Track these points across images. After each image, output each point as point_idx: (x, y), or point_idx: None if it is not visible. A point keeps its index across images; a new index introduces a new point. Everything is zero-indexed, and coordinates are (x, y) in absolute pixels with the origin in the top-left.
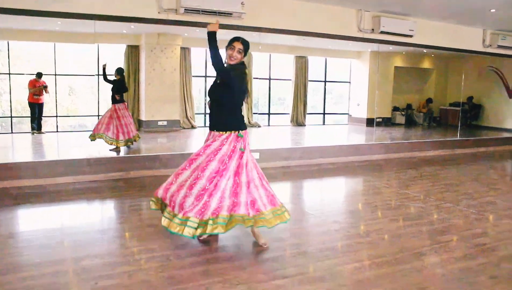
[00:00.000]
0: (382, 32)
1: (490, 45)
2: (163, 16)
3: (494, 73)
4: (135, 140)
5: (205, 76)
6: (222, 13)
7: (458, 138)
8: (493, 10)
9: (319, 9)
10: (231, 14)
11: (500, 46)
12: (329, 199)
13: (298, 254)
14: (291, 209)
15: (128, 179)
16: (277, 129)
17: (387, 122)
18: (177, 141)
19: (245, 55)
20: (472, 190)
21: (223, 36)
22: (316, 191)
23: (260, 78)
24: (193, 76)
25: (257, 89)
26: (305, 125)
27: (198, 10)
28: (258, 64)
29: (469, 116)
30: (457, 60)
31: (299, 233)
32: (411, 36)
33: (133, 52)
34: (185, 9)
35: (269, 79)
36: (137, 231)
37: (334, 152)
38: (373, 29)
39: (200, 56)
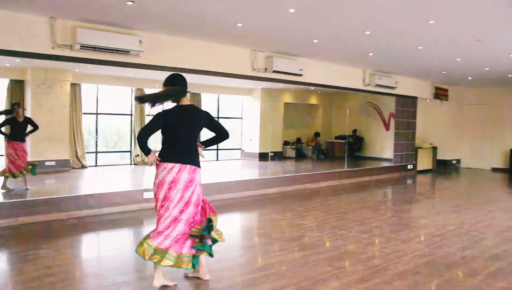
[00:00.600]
0: (274, 71)
1: (369, 84)
2: (57, 52)
3: (373, 108)
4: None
5: (96, 114)
6: (119, 50)
7: (345, 169)
8: (371, 54)
9: (216, 49)
10: (128, 52)
11: (377, 85)
12: (231, 234)
13: None
14: None
15: (16, 226)
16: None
17: (279, 156)
18: (67, 182)
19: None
20: (362, 217)
21: (120, 73)
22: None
23: (150, 115)
24: (83, 113)
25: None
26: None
27: (95, 47)
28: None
29: (353, 148)
30: (340, 96)
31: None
32: (300, 75)
33: (17, 87)
34: (81, 46)
35: None
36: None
37: (230, 188)
38: (266, 68)
39: (91, 92)
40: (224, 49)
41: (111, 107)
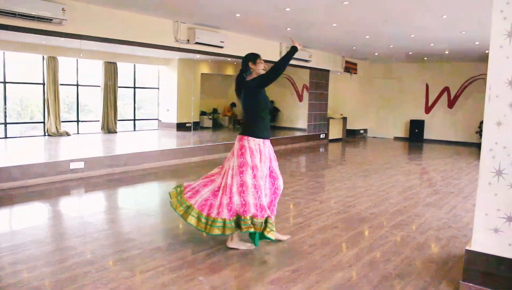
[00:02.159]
0: (197, 43)
1: None
2: None
3: (287, 80)
4: None
5: (4, 82)
6: (41, 18)
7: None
8: (288, 29)
9: (139, 19)
10: (51, 20)
11: (293, 58)
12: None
13: (155, 249)
14: (129, 212)
15: None
16: (88, 137)
17: (196, 126)
18: None
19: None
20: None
21: (41, 41)
22: (151, 194)
23: (68, 84)
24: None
25: (65, 96)
26: (116, 132)
27: (15, 13)
28: (66, 70)
29: (270, 118)
30: None
31: (148, 232)
32: (222, 47)
33: None
34: (0, 11)
35: (77, 85)
36: None
37: (155, 157)
38: (188, 40)
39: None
40: (147, 19)
41: (21, 75)
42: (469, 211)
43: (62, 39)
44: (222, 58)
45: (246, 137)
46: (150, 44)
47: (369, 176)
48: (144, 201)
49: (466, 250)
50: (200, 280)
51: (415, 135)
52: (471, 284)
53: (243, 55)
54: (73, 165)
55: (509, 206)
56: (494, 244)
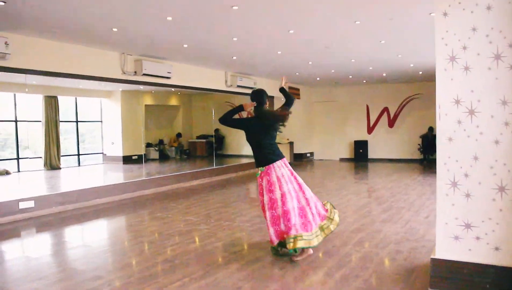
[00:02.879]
0: (144, 74)
1: (231, 85)
2: None
3: (231, 107)
4: None
5: None
6: None
7: (214, 167)
8: (234, 58)
9: (86, 52)
10: None
11: (238, 86)
12: (119, 236)
13: (127, 284)
14: (89, 249)
15: None
16: (31, 174)
17: (142, 159)
18: None
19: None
20: (239, 209)
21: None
22: (107, 229)
23: (5, 121)
24: None
25: (3, 131)
26: (60, 168)
27: None
28: (2, 105)
29: (215, 147)
30: (199, 97)
31: (115, 268)
32: (169, 77)
33: None
34: None
35: (15, 121)
36: None
37: (108, 192)
38: (135, 72)
39: None
40: (94, 52)
41: None
42: (422, 224)
43: (11, 74)
44: (166, 88)
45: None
46: (98, 77)
47: (321, 197)
48: (101, 237)
49: (431, 258)
50: None
51: (359, 155)
52: None
53: (190, 84)
54: (22, 205)
55: (466, 215)
56: (455, 251)
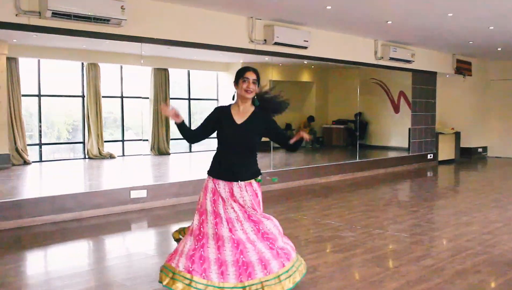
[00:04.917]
0: (276, 44)
1: (382, 57)
2: (23, 20)
3: (379, 86)
4: None
5: (39, 95)
6: (98, 19)
7: (357, 160)
8: (389, 22)
9: (209, 17)
10: (108, 20)
11: (391, 58)
12: None
13: None
14: None
15: None
16: (137, 159)
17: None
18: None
19: (258, 85)
20: (392, 214)
21: (70, 45)
22: None
23: (110, 97)
24: (22, 95)
25: (108, 110)
26: (169, 154)
27: (70, 15)
28: (108, 80)
29: (355, 135)
30: (338, 72)
31: None
32: (305, 47)
33: None
34: (53, 13)
35: (122, 97)
36: None
37: None
38: (265, 40)
39: (32, 70)
40: (216, 16)
41: (58, 87)
42: None
43: (108, 42)
44: (296, 61)
45: None
46: (221, 46)
47: (503, 207)
48: None
49: None
50: None
51: None
52: None
53: (331, 56)
54: (134, 194)
55: None
56: None
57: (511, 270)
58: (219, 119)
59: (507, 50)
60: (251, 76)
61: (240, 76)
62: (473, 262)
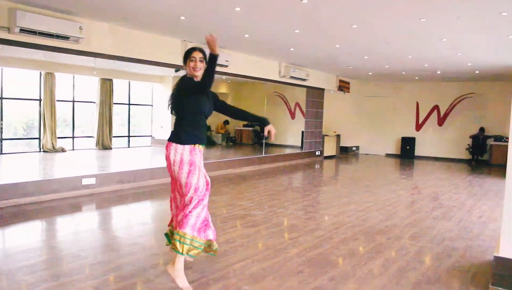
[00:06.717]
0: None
1: (284, 76)
2: None
3: (280, 98)
4: None
5: (1, 98)
6: (59, 36)
7: (263, 155)
8: (292, 49)
9: (147, 38)
10: (68, 38)
11: (291, 77)
12: None
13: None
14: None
15: None
16: (84, 152)
17: None
18: None
19: (206, 62)
20: (291, 197)
21: (29, 56)
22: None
23: (63, 101)
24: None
25: (61, 112)
26: (111, 148)
27: (35, 32)
28: (62, 87)
29: (261, 135)
30: (249, 85)
31: None
32: (226, 66)
33: None
34: (20, 29)
35: (73, 101)
36: None
37: (162, 173)
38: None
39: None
40: (155, 38)
41: (18, 91)
42: (476, 223)
43: (63, 55)
44: (217, 77)
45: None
46: (161, 62)
47: (372, 191)
48: (161, 217)
49: (495, 256)
50: (246, 289)
51: (406, 152)
52: (500, 288)
53: (246, 74)
54: (85, 181)
55: None
56: None
57: (378, 237)
58: None
59: (376, 74)
60: (197, 55)
61: (187, 57)
62: (352, 232)
